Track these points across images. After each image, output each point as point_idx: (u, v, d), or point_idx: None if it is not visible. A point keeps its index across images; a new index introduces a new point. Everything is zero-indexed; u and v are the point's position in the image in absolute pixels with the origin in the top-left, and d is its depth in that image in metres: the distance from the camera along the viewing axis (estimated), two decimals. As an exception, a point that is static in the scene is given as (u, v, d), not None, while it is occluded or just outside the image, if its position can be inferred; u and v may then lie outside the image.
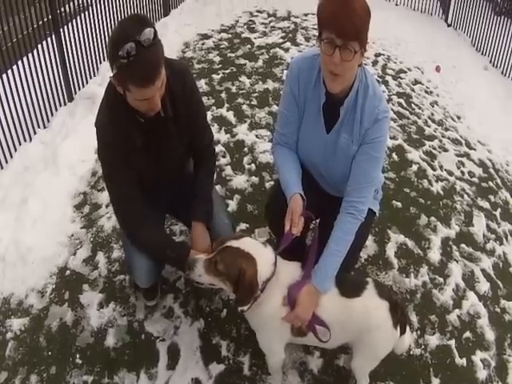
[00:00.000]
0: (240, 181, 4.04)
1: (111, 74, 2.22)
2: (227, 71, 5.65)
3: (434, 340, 3.12)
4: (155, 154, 2.52)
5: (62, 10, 4.76)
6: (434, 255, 3.64)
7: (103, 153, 2.48)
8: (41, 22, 4.52)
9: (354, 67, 2.23)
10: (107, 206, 3.74)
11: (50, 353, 2.93)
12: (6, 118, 4.09)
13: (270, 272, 2.27)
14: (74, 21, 4.97)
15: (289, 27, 7.00)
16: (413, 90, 5.89)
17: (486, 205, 4.32)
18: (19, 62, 4.26)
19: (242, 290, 2.22)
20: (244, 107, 4.97)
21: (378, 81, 5.68)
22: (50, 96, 4.64)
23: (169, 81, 2.34)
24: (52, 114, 4.66)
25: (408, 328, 2.60)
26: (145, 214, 2.56)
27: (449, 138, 5.14)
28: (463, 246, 3.81)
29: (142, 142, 2.43)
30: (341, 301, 2.38)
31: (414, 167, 4.45)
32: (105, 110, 2.43)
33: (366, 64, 6.02)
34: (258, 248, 2.29)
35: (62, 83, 4.77)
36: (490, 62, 7.39)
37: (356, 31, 2.12)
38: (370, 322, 2.36)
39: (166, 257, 2.62)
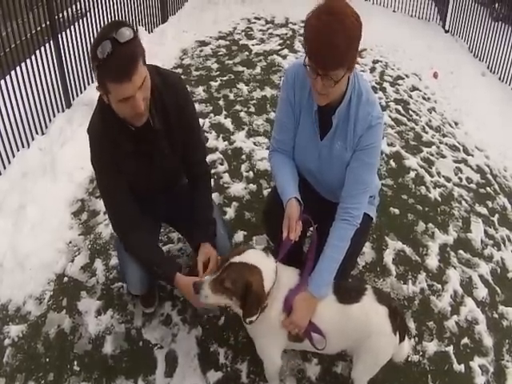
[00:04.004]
0: (238, 188, 4.03)
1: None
2: (225, 78, 5.66)
3: (431, 346, 3.12)
4: (147, 165, 2.52)
5: (60, 15, 4.76)
6: (432, 262, 3.64)
7: (95, 159, 2.49)
8: (39, 28, 4.52)
9: (338, 88, 2.24)
10: (105, 213, 3.73)
11: (47, 359, 2.92)
12: (3, 124, 4.09)
13: (273, 280, 2.28)
14: (72, 27, 4.98)
15: (286, 34, 7.02)
16: (410, 97, 5.90)
17: (484, 211, 4.33)
18: (17, 68, 4.26)
19: (249, 302, 2.21)
20: (242, 114, 4.98)
21: (375, 87, 5.70)
22: (48, 102, 4.64)
23: (161, 93, 2.34)
24: (50, 121, 4.67)
25: (406, 336, 2.59)
26: (137, 221, 2.57)
27: (446, 144, 5.15)
28: (461, 252, 3.81)
29: (132, 150, 2.43)
30: (339, 308, 2.38)
31: (412, 174, 4.45)
32: (96, 117, 2.43)
33: (363, 71, 6.05)
34: (261, 258, 2.29)
35: (60, 89, 4.78)
36: (488, 67, 7.40)
37: (337, 64, 2.11)
38: (370, 328, 2.36)
39: (154, 272, 2.64)
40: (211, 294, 2.24)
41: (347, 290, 2.46)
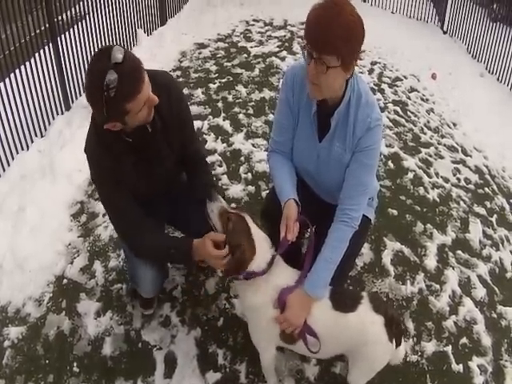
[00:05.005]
0: (236, 190, 4.05)
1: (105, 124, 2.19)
2: (224, 80, 5.68)
3: (430, 346, 3.13)
4: (147, 171, 2.52)
5: (60, 18, 4.77)
6: (430, 262, 3.65)
7: (97, 176, 2.48)
8: (38, 31, 4.53)
9: (331, 81, 2.23)
10: (104, 215, 3.75)
11: (47, 361, 2.93)
12: (3, 126, 4.10)
13: (261, 268, 2.31)
14: (71, 29, 4.99)
15: (285, 36, 7.05)
16: (409, 98, 5.92)
17: (482, 211, 4.34)
18: (16, 71, 4.27)
19: (231, 260, 2.31)
20: (240, 116, 5.00)
21: (373, 89, 5.71)
22: (47, 105, 4.65)
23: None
24: (49, 123, 4.67)
25: (403, 339, 2.59)
26: (144, 223, 2.55)
27: (445, 145, 5.16)
28: (459, 252, 3.82)
29: (132, 162, 2.43)
30: (334, 314, 2.36)
31: (410, 175, 4.46)
32: (92, 136, 2.40)
33: (361, 72, 6.06)
34: (263, 242, 2.35)
35: (59, 92, 4.79)
36: (486, 68, 7.42)
37: (331, 46, 2.11)
38: (366, 337, 2.34)
39: (172, 256, 2.62)
40: (215, 215, 2.38)
41: (343, 298, 2.44)
